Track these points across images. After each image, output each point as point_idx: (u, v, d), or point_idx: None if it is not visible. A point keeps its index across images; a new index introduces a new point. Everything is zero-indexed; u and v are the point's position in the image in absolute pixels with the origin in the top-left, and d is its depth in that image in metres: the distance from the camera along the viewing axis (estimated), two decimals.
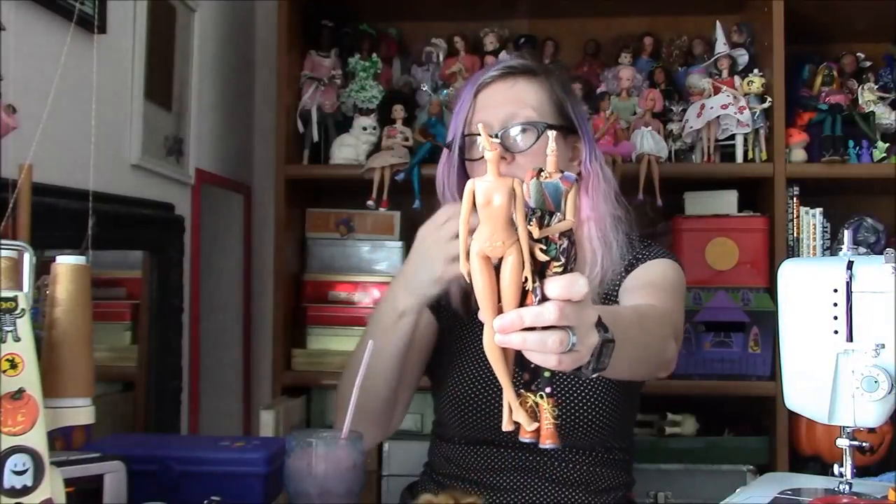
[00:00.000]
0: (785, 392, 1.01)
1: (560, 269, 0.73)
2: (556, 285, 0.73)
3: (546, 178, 0.74)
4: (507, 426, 0.78)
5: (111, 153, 1.50)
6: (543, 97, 1.27)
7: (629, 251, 1.32)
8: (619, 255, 1.29)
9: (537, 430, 0.77)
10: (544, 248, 0.73)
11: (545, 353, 0.74)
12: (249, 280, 2.29)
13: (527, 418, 0.77)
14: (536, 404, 0.77)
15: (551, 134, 0.79)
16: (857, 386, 0.92)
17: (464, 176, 1.30)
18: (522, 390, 0.78)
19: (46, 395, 0.80)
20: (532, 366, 0.77)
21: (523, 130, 1.24)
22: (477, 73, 1.32)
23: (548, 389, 0.77)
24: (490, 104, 1.26)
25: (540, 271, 0.74)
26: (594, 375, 0.86)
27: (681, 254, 1.95)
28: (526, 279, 0.73)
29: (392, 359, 1.22)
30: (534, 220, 0.73)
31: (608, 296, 1.32)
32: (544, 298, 0.73)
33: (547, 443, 0.76)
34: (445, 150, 1.32)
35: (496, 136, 1.22)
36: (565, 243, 0.73)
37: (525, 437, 0.77)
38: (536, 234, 0.73)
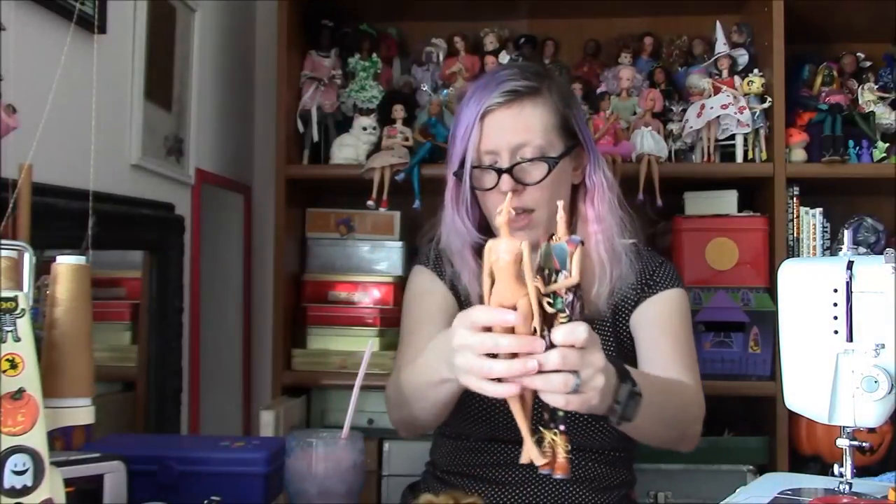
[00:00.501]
0: (785, 392, 1.01)
1: (566, 320, 0.84)
2: (559, 333, 0.83)
3: (556, 240, 0.85)
4: (523, 459, 0.88)
5: (111, 153, 1.50)
6: (548, 120, 1.26)
7: (638, 261, 1.33)
8: (627, 265, 1.30)
9: (551, 463, 0.86)
10: (551, 301, 0.84)
11: (553, 393, 0.84)
12: (249, 280, 2.29)
13: (538, 454, 0.86)
14: (553, 440, 0.86)
15: (560, 203, 0.89)
16: (857, 386, 0.92)
17: (475, 203, 1.30)
18: (542, 427, 0.87)
19: (46, 395, 0.80)
20: (550, 406, 0.87)
21: (535, 163, 1.24)
22: (478, 90, 1.27)
23: (562, 427, 0.86)
24: (497, 132, 1.24)
25: (550, 322, 0.84)
26: (620, 424, 1.00)
27: (681, 254, 1.96)
28: (535, 329, 0.83)
29: (436, 411, 1.18)
30: (538, 277, 0.84)
31: (619, 308, 1.33)
32: (552, 345, 0.84)
33: (558, 474, 0.86)
34: (453, 178, 1.30)
35: (508, 171, 1.22)
36: (570, 297, 0.83)
37: (543, 470, 0.87)
38: (543, 289, 0.84)
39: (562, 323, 0.84)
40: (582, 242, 0.84)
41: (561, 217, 0.87)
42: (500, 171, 1.23)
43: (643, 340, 1.31)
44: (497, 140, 1.24)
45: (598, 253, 1.28)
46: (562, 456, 0.85)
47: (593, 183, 1.31)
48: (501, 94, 1.24)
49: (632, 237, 1.32)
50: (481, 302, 1.28)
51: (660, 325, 1.31)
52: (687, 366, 1.27)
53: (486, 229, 1.31)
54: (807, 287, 0.98)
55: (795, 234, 1.98)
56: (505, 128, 1.24)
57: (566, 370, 0.84)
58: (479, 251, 1.31)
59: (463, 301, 1.34)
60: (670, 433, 1.21)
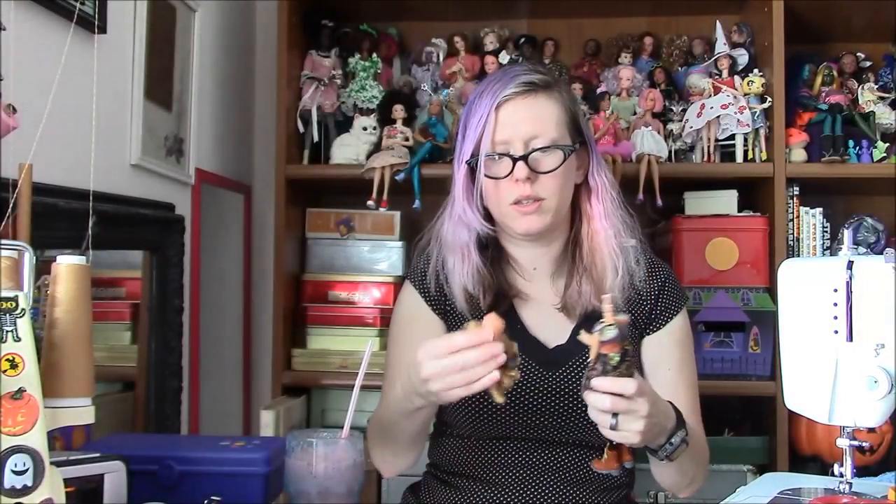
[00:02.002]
0: (785, 392, 1.01)
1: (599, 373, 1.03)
2: (604, 381, 1.02)
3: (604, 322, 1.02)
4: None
5: (111, 153, 1.50)
6: (561, 114, 1.27)
7: (643, 257, 1.34)
8: (633, 260, 1.32)
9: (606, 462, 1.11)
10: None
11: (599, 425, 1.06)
12: (249, 280, 2.29)
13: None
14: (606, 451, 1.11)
15: (607, 297, 1.04)
16: (858, 386, 0.92)
17: (479, 197, 1.30)
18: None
19: (46, 395, 0.80)
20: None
21: (549, 152, 1.25)
22: (491, 84, 1.28)
23: (612, 443, 1.09)
24: (512, 121, 1.25)
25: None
26: (663, 461, 1.15)
27: (681, 254, 1.96)
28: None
29: (413, 438, 1.28)
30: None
31: (633, 299, 1.33)
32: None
33: (595, 465, 1.14)
34: (464, 169, 1.30)
35: (522, 158, 1.23)
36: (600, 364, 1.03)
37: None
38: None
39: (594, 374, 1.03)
40: (616, 338, 1.01)
41: (607, 308, 1.02)
42: (514, 159, 1.24)
43: (656, 376, 1.32)
44: (511, 130, 1.25)
45: (608, 250, 1.30)
46: (603, 458, 1.10)
47: (597, 182, 1.32)
48: (518, 85, 1.25)
49: (633, 237, 1.34)
50: (472, 305, 1.32)
51: (674, 362, 1.34)
52: (696, 410, 1.34)
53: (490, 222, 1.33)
54: (807, 287, 0.98)
55: (795, 234, 1.98)
56: (520, 118, 1.25)
57: (606, 411, 1.02)
58: (483, 246, 1.33)
59: (450, 311, 1.36)
60: (683, 479, 1.29)
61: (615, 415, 1.02)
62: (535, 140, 1.25)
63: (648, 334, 1.35)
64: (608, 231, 1.30)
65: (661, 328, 1.35)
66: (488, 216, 1.32)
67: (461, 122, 1.33)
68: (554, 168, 1.25)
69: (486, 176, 1.27)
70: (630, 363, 1.03)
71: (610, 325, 1.01)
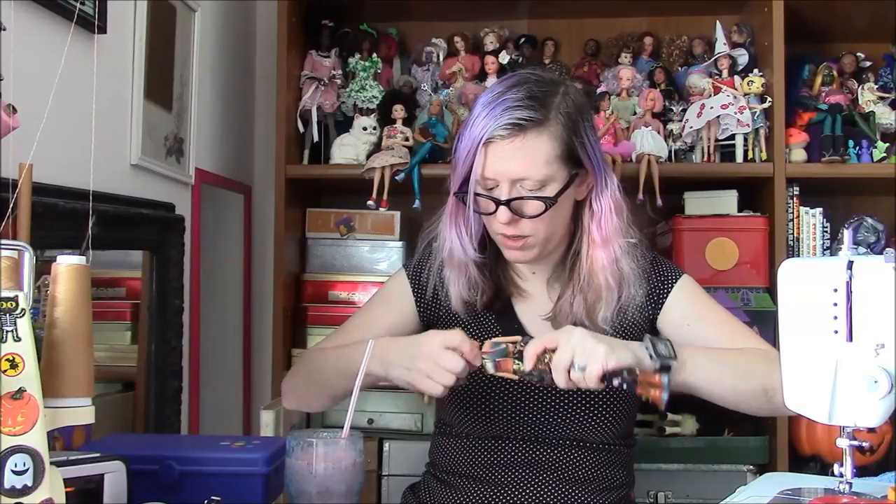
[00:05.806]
0: (785, 392, 1.01)
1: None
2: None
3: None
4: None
5: (111, 153, 1.49)
6: (552, 151, 1.21)
7: (646, 281, 1.34)
8: (636, 286, 1.31)
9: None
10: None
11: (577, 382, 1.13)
12: (249, 280, 2.29)
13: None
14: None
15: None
16: (858, 386, 0.92)
17: (479, 220, 1.30)
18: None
19: (46, 395, 0.80)
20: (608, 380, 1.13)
21: (532, 199, 1.22)
22: (484, 112, 1.22)
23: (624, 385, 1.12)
24: (498, 163, 1.21)
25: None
26: (670, 363, 1.14)
27: (681, 254, 1.96)
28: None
29: (339, 396, 1.33)
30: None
31: (631, 323, 1.33)
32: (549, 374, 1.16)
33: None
34: (452, 198, 1.30)
35: (506, 204, 1.21)
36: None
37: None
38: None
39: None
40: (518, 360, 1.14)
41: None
42: (497, 203, 1.22)
43: (687, 336, 1.32)
44: (497, 170, 1.21)
45: (604, 277, 1.29)
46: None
47: (600, 206, 1.29)
48: (504, 127, 1.19)
49: (640, 257, 1.33)
50: (468, 306, 1.34)
51: (693, 315, 1.34)
52: (745, 333, 1.33)
53: (487, 236, 1.33)
54: (807, 287, 0.98)
55: (795, 234, 1.98)
56: (506, 160, 1.21)
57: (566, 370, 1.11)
58: (479, 266, 1.33)
59: (443, 312, 1.38)
60: (748, 383, 1.23)
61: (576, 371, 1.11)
62: (523, 181, 1.21)
63: (657, 315, 1.35)
64: (605, 262, 1.29)
65: (665, 301, 1.35)
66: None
67: (456, 140, 1.29)
68: (536, 215, 1.22)
69: (477, 212, 1.27)
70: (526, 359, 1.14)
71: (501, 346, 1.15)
